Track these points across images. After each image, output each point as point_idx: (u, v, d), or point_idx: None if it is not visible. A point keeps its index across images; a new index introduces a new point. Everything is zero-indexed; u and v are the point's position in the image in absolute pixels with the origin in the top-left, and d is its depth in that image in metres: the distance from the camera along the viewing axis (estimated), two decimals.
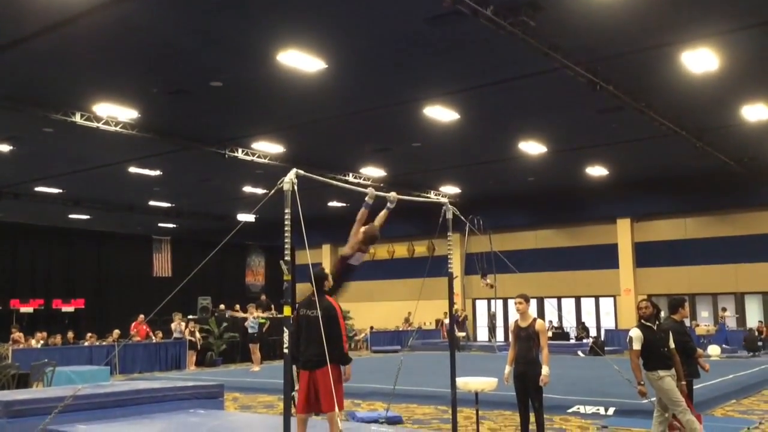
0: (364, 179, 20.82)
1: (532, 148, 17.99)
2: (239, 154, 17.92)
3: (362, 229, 6.62)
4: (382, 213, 7.04)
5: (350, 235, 6.67)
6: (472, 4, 9.31)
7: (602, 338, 23.15)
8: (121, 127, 15.19)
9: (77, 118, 14.47)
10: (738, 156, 19.08)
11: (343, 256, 6.71)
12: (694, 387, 7.72)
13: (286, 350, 5.58)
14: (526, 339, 7.09)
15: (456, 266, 23.91)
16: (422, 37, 10.91)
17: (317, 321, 5.66)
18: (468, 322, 27.34)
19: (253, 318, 18.67)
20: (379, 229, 6.75)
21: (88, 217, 27.40)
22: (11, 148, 17.10)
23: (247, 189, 23.19)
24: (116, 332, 18.57)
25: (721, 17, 10.40)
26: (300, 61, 11.57)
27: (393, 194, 7.20)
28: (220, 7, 9.89)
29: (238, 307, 22.63)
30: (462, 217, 8.25)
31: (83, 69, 12.25)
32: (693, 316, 23.27)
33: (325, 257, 31.48)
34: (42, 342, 17.41)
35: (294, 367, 6.05)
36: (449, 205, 8.06)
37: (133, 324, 19.06)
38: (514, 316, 8.28)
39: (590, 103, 14.08)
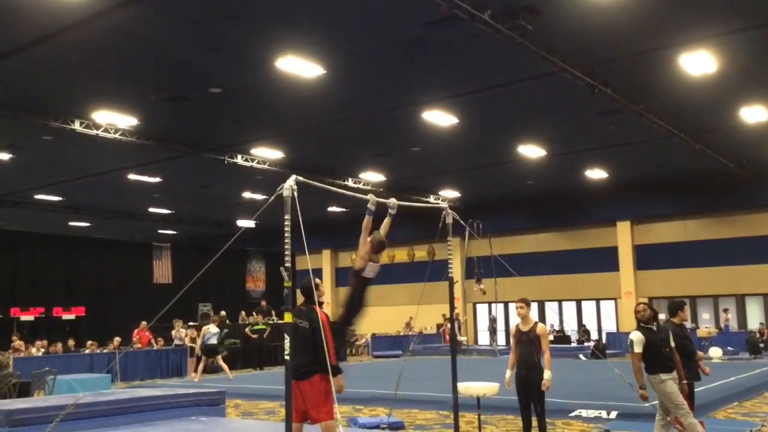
0: (363, 184, 20.84)
1: (532, 151, 18.00)
2: (239, 160, 17.92)
3: (368, 238, 6.53)
4: (386, 221, 6.92)
5: (359, 246, 6.57)
6: (469, 8, 9.33)
7: (603, 341, 23.12)
8: (120, 135, 15.21)
9: (76, 126, 14.49)
10: (737, 158, 19.09)
11: (357, 270, 6.54)
12: (696, 390, 7.72)
13: (287, 357, 5.58)
14: (527, 343, 7.08)
15: (456, 271, 23.82)
16: (420, 41, 10.92)
17: (305, 331, 5.77)
18: (466, 326, 27.32)
19: (213, 330, 17.07)
20: (385, 237, 6.64)
21: (88, 224, 27.38)
22: (11, 156, 17.11)
23: (247, 195, 23.17)
24: (117, 340, 18.56)
25: (719, 20, 10.42)
26: (298, 66, 11.58)
27: (393, 200, 7.16)
28: (218, 14, 9.91)
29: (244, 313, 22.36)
30: (462, 222, 8.25)
31: (82, 77, 12.27)
32: (694, 318, 23.25)
33: (325, 262, 31.52)
34: (43, 350, 17.41)
35: None
36: (449, 210, 8.06)
37: (135, 331, 19.06)
38: (514, 319, 8.27)
39: (589, 106, 14.09)
